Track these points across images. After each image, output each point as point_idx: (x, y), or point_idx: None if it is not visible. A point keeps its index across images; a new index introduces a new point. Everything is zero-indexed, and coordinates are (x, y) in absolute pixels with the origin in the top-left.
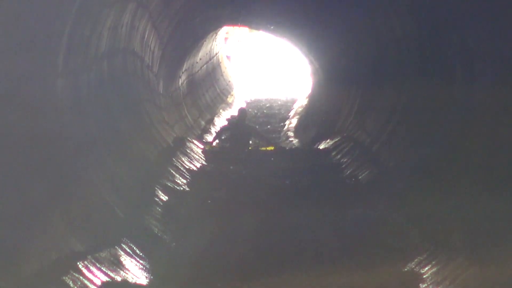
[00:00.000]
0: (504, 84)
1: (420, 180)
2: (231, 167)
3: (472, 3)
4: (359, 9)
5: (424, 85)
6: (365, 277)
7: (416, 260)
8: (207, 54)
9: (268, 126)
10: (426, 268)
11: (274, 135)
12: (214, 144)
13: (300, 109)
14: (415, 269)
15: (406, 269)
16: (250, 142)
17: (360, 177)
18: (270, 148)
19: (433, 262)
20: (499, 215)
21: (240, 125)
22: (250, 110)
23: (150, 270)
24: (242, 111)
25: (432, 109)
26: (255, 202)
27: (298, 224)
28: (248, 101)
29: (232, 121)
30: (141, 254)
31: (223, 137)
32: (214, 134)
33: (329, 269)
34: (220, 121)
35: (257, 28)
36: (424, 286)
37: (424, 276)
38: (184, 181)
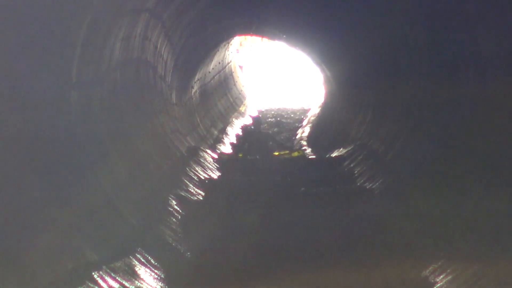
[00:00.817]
0: None
1: (435, 189)
2: (244, 176)
3: (482, 6)
4: (371, 18)
5: (437, 92)
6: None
7: (428, 267)
8: (219, 63)
9: (281, 136)
10: (440, 277)
11: (287, 144)
12: (239, 155)
13: (313, 118)
14: (425, 275)
15: (414, 275)
16: (269, 146)
17: (373, 186)
18: (285, 152)
19: (448, 270)
20: None
21: (255, 133)
22: (261, 117)
23: (165, 280)
24: (256, 120)
25: (447, 116)
26: (269, 211)
27: (312, 233)
28: (261, 110)
29: (247, 129)
30: (156, 264)
31: (244, 146)
32: (230, 146)
33: (338, 270)
34: (233, 131)
35: (270, 37)
36: None
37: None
38: (198, 191)
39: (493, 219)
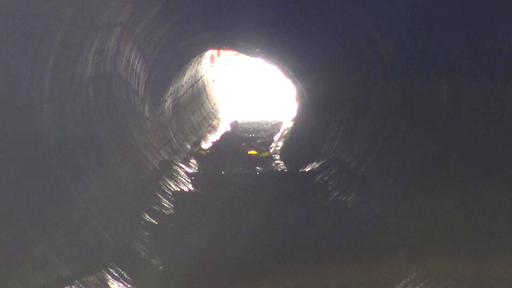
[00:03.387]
0: (490, 96)
1: (409, 203)
2: (217, 191)
3: (453, 20)
4: (344, 33)
5: (411, 106)
6: None
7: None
8: (192, 77)
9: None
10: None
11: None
12: (208, 151)
13: (286, 132)
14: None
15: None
16: (243, 144)
17: (347, 200)
18: (254, 152)
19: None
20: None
21: (232, 135)
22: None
23: None
24: (234, 124)
25: (421, 130)
26: (243, 225)
27: (285, 247)
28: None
29: (225, 133)
30: (129, 278)
31: (221, 145)
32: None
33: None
34: (206, 145)
35: (242, 51)
36: None
37: None
38: (171, 205)
39: (467, 231)
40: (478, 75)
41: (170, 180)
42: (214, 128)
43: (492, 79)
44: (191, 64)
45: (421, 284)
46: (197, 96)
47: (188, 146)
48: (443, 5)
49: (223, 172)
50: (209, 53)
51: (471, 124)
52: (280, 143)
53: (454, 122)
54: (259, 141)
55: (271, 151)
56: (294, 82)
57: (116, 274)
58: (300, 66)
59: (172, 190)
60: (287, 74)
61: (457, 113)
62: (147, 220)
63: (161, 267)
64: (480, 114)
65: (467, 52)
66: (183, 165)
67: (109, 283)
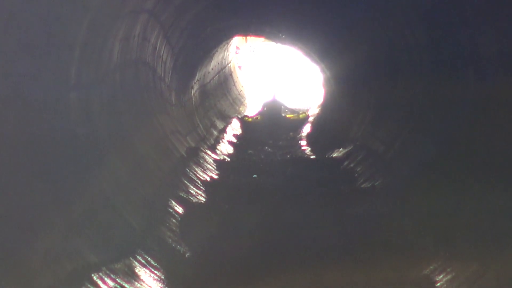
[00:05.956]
0: None
1: (435, 187)
2: (244, 177)
3: (481, 7)
4: (371, 19)
5: (437, 91)
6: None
7: (429, 266)
8: (219, 64)
9: (281, 136)
10: (440, 276)
11: (286, 144)
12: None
13: (312, 118)
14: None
15: (415, 274)
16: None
17: (374, 186)
18: (291, 116)
19: (448, 270)
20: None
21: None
22: (260, 119)
23: (165, 281)
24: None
25: (448, 116)
26: (271, 211)
27: (314, 233)
28: (260, 111)
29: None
30: (156, 265)
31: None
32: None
33: (340, 269)
34: (233, 131)
35: (269, 38)
36: None
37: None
38: (198, 192)
39: (494, 218)
40: (505, 61)
41: (197, 167)
42: (240, 115)
43: None
44: (217, 51)
45: (421, 284)
46: (224, 82)
47: (215, 133)
48: None
49: (251, 158)
50: (236, 39)
51: (496, 113)
52: (307, 129)
53: (481, 108)
54: (286, 127)
55: (297, 136)
56: (321, 68)
57: (143, 261)
58: (326, 52)
59: (199, 177)
60: (313, 60)
61: (483, 101)
62: (175, 207)
63: (188, 254)
64: (504, 104)
65: (495, 40)
66: (210, 152)
67: (136, 270)
